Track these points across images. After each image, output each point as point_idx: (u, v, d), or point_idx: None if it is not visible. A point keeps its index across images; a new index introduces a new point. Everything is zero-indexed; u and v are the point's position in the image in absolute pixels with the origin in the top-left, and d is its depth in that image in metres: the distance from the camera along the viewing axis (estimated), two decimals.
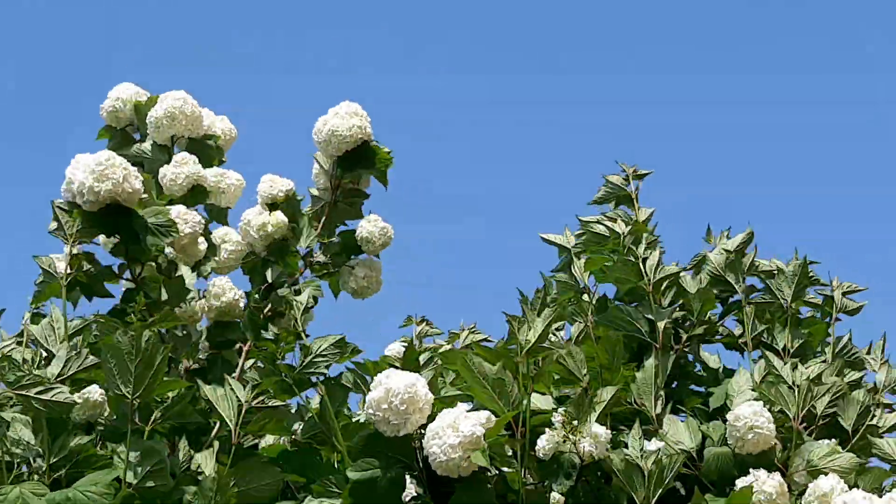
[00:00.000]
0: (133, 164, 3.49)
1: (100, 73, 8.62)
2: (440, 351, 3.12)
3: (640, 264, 3.39)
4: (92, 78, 8.82)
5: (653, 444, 2.97)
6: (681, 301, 3.44)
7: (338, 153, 3.87)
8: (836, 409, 3.11)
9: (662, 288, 3.38)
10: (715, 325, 3.45)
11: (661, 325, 3.29)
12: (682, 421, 3.11)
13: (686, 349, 3.41)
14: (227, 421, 3.12)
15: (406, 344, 3.85)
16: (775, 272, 3.51)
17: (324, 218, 3.93)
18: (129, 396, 2.94)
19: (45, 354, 3.33)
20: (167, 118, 3.84)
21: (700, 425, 3.09)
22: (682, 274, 3.40)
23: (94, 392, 3.18)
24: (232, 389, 3.14)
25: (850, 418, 3.10)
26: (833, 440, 3.03)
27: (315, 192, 3.97)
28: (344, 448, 3.00)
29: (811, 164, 8.81)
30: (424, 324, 4.25)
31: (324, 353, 3.27)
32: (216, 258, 3.76)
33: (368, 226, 3.88)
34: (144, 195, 3.59)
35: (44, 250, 3.59)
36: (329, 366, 3.28)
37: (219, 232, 3.86)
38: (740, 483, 2.90)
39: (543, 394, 3.01)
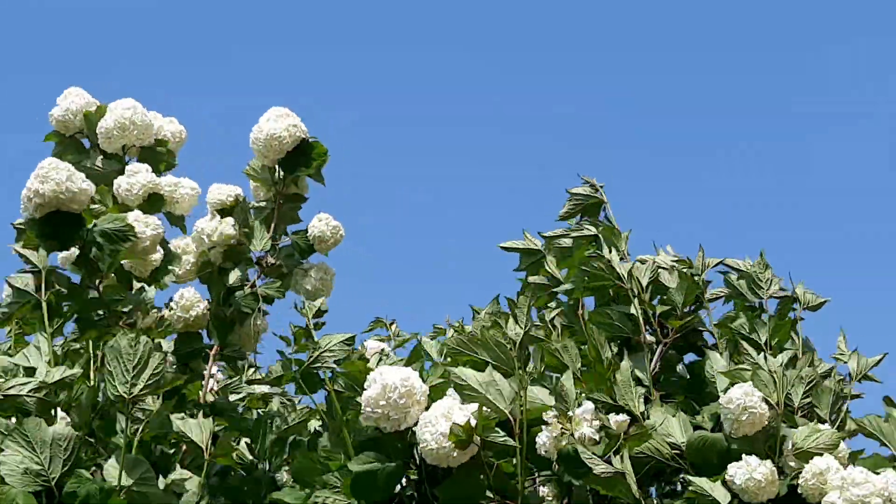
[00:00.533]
0: None
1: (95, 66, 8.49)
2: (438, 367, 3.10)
3: (611, 262, 3.42)
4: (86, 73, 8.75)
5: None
6: (661, 297, 3.46)
7: (280, 155, 3.86)
8: (811, 399, 3.15)
9: (645, 284, 3.41)
10: (697, 317, 3.47)
11: (640, 317, 3.34)
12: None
13: (667, 348, 3.43)
14: (201, 446, 3.21)
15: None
16: (737, 274, 3.58)
17: (273, 224, 3.91)
18: (126, 396, 2.94)
19: None
20: (118, 129, 3.80)
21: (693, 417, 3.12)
22: (660, 271, 3.44)
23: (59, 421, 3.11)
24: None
25: (825, 407, 3.16)
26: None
27: (255, 203, 3.96)
28: (350, 445, 3.01)
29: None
30: (394, 325, 4.25)
31: (332, 348, 3.29)
32: (178, 269, 3.72)
33: (320, 224, 3.88)
34: (97, 205, 3.56)
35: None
36: (337, 361, 3.32)
37: (179, 242, 3.82)
38: (731, 469, 2.93)
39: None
